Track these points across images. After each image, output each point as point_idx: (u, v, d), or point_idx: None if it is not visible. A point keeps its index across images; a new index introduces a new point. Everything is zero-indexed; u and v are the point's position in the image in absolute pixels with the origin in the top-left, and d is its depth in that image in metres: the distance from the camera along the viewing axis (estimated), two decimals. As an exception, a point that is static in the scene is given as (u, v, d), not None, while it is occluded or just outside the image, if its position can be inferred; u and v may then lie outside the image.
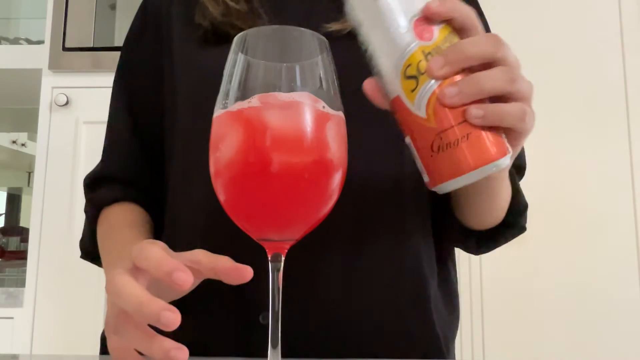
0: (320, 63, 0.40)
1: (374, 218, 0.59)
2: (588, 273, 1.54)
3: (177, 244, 0.49)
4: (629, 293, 1.54)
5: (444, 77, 0.38)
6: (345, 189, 0.41)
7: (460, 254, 0.71)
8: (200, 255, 0.43)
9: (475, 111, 0.37)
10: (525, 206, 0.63)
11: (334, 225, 0.45)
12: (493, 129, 0.38)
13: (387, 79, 0.39)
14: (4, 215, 2.71)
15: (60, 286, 1.46)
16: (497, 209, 0.60)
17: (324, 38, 0.41)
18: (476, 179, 0.38)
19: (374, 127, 0.59)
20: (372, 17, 0.39)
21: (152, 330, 0.38)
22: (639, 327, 1.51)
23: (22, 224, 2.62)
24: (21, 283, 1.57)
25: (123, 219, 0.65)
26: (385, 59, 0.39)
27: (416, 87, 0.38)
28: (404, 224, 0.60)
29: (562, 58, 1.59)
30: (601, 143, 1.60)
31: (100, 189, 0.69)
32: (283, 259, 0.41)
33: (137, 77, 0.71)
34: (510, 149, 0.39)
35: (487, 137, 0.38)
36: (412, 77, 0.38)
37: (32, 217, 1.53)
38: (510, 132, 0.39)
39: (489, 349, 1.51)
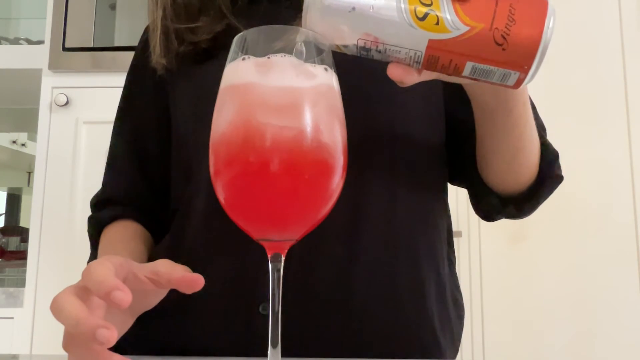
0: (318, 63, 0.40)
1: (369, 212, 0.59)
2: (588, 272, 1.54)
3: (182, 255, 0.49)
4: (628, 293, 1.54)
5: None
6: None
7: (459, 254, 0.71)
8: (159, 266, 0.45)
9: None
10: (555, 154, 0.62)
11: (329, 222, 0.45)
12: None
13: (408, 40, 0.39)
14: (4, 215, 2.71)
15: (60, 286, 1.45)
16: (527, 151, 0.59)
17: (324, 39, 0.41)
18: (551, 34, 0.38)
19: (370, 126, 0.60)
20: (348, 21, 0.39)
21: (98, 347, 0.38)
22: (639, 327, 1.51)
23: (22, 224, 2.62)
24: (21, 283, 1.57)
25: (118, 235, 0.67)
26: (392, 29, 0.39)
27: (437, 17, 0.38)
28: (398, 218, 0.60)
29: (562, 58, 1.59)
30: (601, 142, 1.60)
31: (101, 211, 0.71)
32: (283, 259, 0.41)
33: (140, 107, 0.72)
34: None
35: None
36: (426, 14, 0.38)
37: (32, 217, 1.53)
38: None
39: (489, 349, 1.51)
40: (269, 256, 0.41)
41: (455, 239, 0.71)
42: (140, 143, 0.72)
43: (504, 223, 0.71)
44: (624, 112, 1.61)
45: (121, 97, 0.75)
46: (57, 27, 1.59)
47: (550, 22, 0.38)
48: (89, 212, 0.72)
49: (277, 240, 0.41)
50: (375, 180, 0.60)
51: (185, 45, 0.63)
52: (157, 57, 0.64)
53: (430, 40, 0.39)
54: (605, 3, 1.66)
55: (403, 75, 0.41)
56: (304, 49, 0.39)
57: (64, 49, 1.57)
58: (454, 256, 0.70)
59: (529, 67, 0.39)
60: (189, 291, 0.43)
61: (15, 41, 1.95)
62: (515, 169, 0.60)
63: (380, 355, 0.57)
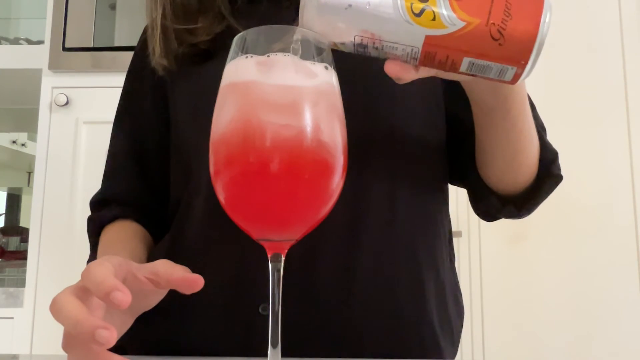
0: (318, 62, 0.40)
1: (369, 212, 0.59)
2: (588, 272, 1.54)
3: (182, 255, 0.49)
4: (628, 293, 1.54)
5: None
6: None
7: (459, 254, 0.71)
8: (159, 266, 0.45)
9: None
10: (554, 154, 0.62)
11: (329, 222, 0.45)
12: None
13: (405, 37, 0.39)
14: (4, 215, 2.71)
15: (60, 286, 1.45)
16: (526, 150, 0.58)
17: (324, 39, 0.41)
18: (548, 28, 0.38)
19: (370, 126, 0.60)
20: (345, 18, 0.39)
21: (97, 347, 0.38)
22: (639, 327, 1.51)
23: (22, 224, 2.62)
24: (21, 283, 1.57)
25: (118, 235, 0.67)
26: (388, 26, 0.39)
27: (434, 13, 0.38)
28: (398, 217, 0.60)
29: (562, 57, 1.59)
30: (601, 142, 1.60)
31: (101, 210, 0.71)
32: (283, 259, 0.41)
33: (140, 107, 0.72)
34: None
35: None
36: (423, 9, 0.38)
37: (32, 217, 1.53)
38: None
39: (489, 349, 1.51)
40: (269, 256, 0.41)
41: (455, 239, 0.71)
42: (140, 143, 0.72)
43: (504, 223, 0.71)
44: (624, 112, 1.61)
45: (120, 97, 0.75)
46: (57, 27, 1.59)
47: (546, 17, 0.38)
48: (88, 212, 0.72)
49: (277, 240, 0.41)
50: (376, 180, 0.60)
51: (184, 46, 0.63)
52: (158, 57, 0.64)
53: (426, 37, 0.39)
54: (605, 3, 1.66)
55: (400, 72, 0.41)
56: (299, 47, 0.39)
57: (64, 49, 1.57)
58: (454, 255, 0.70)
59: (526, 62, 0.39)
60: (188, 292, 0.43)
61: (15, 41, 1.95)
62: (515, 168, 0.60)
63: (380, 356, 0.57)
